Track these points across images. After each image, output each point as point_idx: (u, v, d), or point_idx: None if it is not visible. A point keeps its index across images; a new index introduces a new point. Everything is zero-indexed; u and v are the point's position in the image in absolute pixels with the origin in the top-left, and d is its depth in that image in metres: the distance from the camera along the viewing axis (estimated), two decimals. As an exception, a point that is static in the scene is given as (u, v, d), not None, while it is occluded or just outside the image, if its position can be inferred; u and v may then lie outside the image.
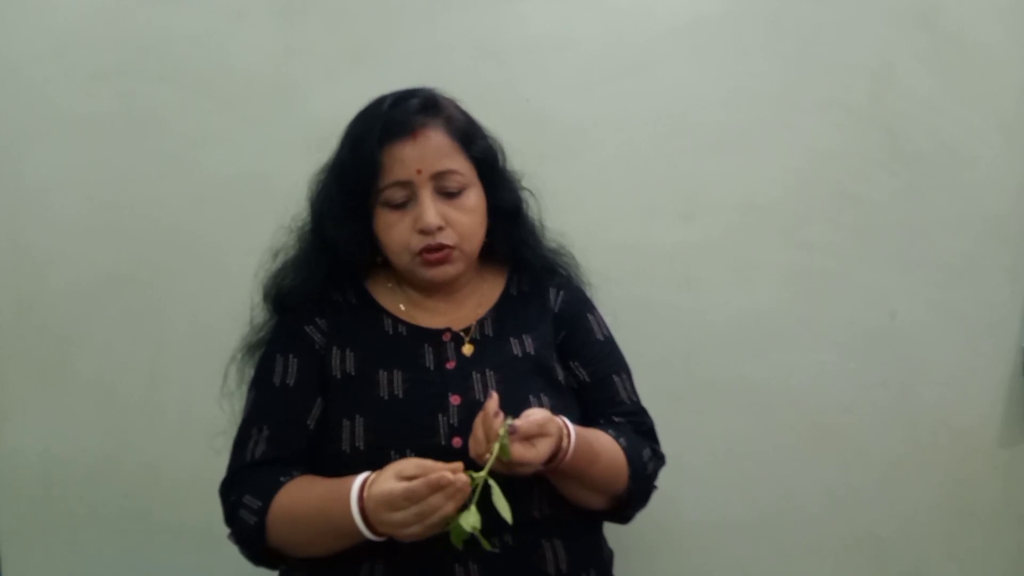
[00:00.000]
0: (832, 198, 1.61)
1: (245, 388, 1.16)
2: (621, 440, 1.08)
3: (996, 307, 1.66)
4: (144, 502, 1.52)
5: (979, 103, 1.63)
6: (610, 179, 1.57)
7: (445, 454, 0.97)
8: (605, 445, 1.06)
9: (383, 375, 1.06)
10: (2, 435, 1.50)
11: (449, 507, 0.88)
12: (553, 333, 1.16)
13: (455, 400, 1.04)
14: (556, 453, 0.98)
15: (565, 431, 1.00)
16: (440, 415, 1.03)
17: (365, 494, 0.92)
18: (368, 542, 0.95)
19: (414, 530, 0.89)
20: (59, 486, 1.51)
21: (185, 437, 1.49)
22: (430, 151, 1.05)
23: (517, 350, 1.11)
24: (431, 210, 1.04)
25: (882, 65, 1.60)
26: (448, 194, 1.07)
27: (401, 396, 1.04)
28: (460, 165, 1.07)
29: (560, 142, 1.55)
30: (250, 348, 1.18)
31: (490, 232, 1.13)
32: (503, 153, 1.17)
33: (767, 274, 1.60)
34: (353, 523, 0.91)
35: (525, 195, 1.20)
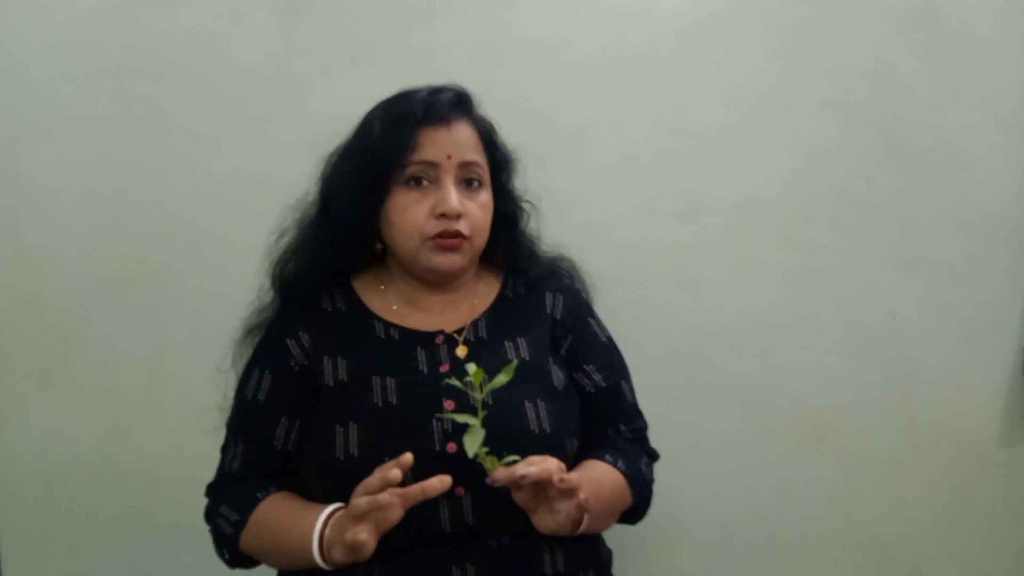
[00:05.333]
0: (832, 198, 1.61)
1: (241, 368, 1.17)
2: (619, 463, 1.10)
3: (996, 307, 1.66)
4: (144, 502, 1.52)
5: (979, 103, 1.63)
6: (610, 179, 1.57)
7: (440, 459, 0.98)
8: (607, 479, 1.08)
9: (376, 381, 1.05)
10: (2, 435, 1.50)
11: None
12: (551, 338, 1.15)
13: (449, 405, 1.03)
14: (578, 518, 0.99)
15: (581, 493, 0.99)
16: (435, 420, 1.02)
17: (327, 528, 0.95)
18: None
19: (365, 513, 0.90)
20: (59, 486, 1.51)
21: (185, 437, 1.49)
22: (461, 141, 1.08)
23: (512, 354, 1.10)
24: (454, 195, 1.06)
25: (882, 65, 1.60)
26: (468, 187, 1.09)
27: (395, 402, 1.04)
28: (483, 162, 1.11)
29: (560, 142, 1.55)
30: (251, 330, 1.19)
31: (489, 237, 1.14)
32: (516, 165, 1.20)
33: (767, 274, 1.60)
34: (311, 551, 0.95)
35: (526, 207, 1.22)
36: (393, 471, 0.90)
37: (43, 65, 1.47)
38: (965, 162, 1.63)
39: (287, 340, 1.11)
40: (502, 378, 0.97)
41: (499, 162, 1.15)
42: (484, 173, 1.11)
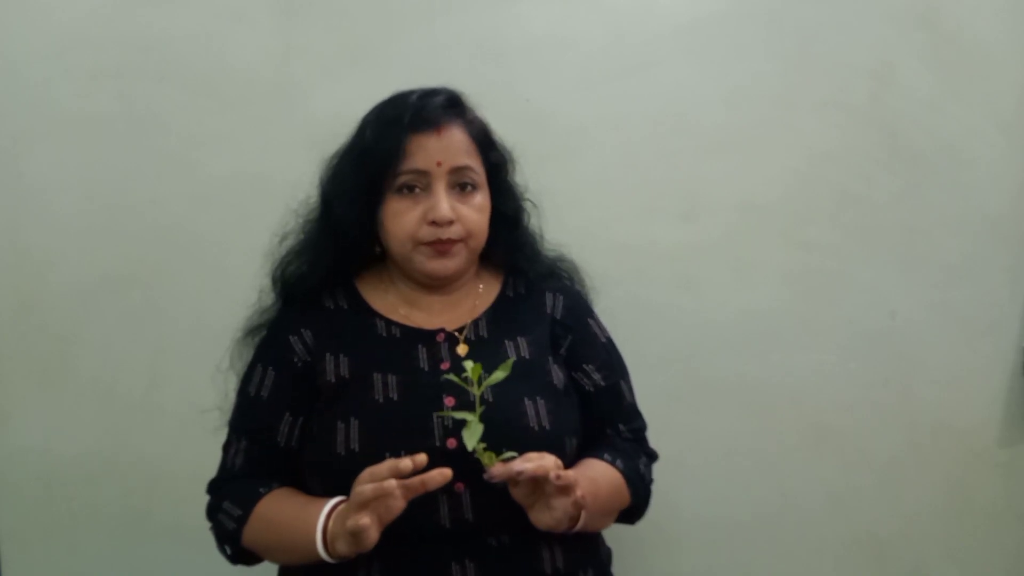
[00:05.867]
0: (832, 198, 1.61)
1: (241, 367, 1.17)
2: (618, 462, 1.11)
3: (996, 307, 1.66)
4: (144, 502, 1.52)
5: (979, 103, 1.63)
6: (610, 179, 1.57)
7: (440, 455, 0.97)
8: (605, 477, 1.08)
9: (378, 378, 1.06)
10: (2, 435, 1.50)
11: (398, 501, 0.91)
12: (550, 337, 1.16)
13: (449, 402, 1.04)
14: (575, 515, 1.00)
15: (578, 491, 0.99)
16: (434, 416, 1.02)
17: (331, 521, 0.96)
18: None
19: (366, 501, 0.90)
20: (59, 486, 1.51)
21: (185, 437, 1.49)
22: (452, 146, 1.07)
23: (512, 353, 1.11)
24: (444, 202, 1.06)
25: (882, 65, 1.60)
26: (461, 191, 1.09)
27: (396, 399, 1.05)
28: (475, 164, 1.10)
29: (560, 142, 1.55)
30: (251, 331, 1.19)
31: (489, 237, 1.14)
32: (513, 162, 1.19)
33: (767, 274, 1.60)
34: (314, 544, 0.96)
35: (527, 206, 1.22)
36: (404, 461, 0.90)
37: (43, 65, 1.47)
38: (965, 162, 1.63)
39: (290, 337, 1.11)
40: (499, 374, 0.97)
41: (495, 162, 1.14)
42: (478, 176, 1.10)
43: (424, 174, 1.07)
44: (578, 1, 1.56)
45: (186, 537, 1.49)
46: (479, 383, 0.97)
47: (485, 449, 0.95)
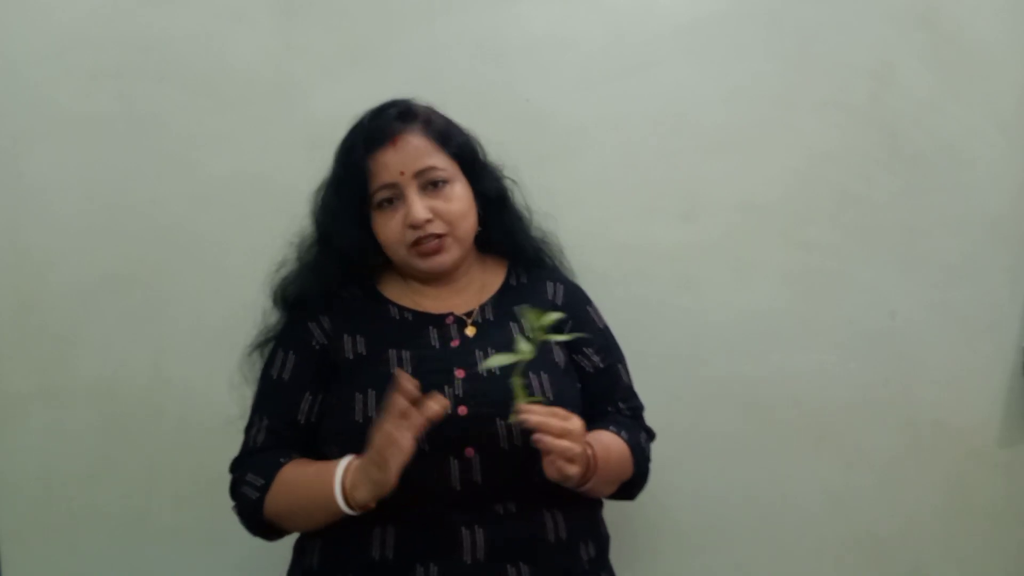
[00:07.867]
0: (832, 198, 1.61)
1: (254, 379, 1.22)
2: (623, 434, 1.16)
3: (996, 307, 1.66)
4: (144, 502, 1.52)
5: (979, 103, 1.63)
6: (610, 179, 1.57)
7: (452, 422, 1.04)
8: (615, 445, 1.14)
9: (392, 354, 1.13)
10: (2, 435, 1.50)
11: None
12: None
13: (459, 373, 1.10)
14: (586, 471, 1.05)
15: (590, 450, 1.06)
16: (446, 387, 1.08)
17: (349, 473, 1.03)
18: (380, 509, 1.03)
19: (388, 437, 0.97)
20: (59, 486, 1.51)
21: (185, 437, 1.49)
22: (410, 153, 1.14)
23: (516, 333, 1.16)
24: (417, 205, 1.13)
25: (882, 65, 1.60)
26: (433, 188, 1.15)
27: (410, 371, 1.11)
28: (440, 161, 1.15)
29: (560, 142, 1.55)
30: (259, 346, 1.24)
31: (484, 223, 1.20)
32: (481, 147, 1.23)
33: (767, 274, 1.60)
34: (334, 497, 1.02)
35: (508, 183, 1.26)
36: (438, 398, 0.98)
37: (43, 65, 1.48)
38: (965, 162, 1.63)
39: (309, 323, 1.19)
40: (499, 359, 1.01)
41: (461, 151, 1.19)
42: (446, 171, 1.15)
43: (393, 186, 1.14)
44: (578, 1, 1.56)
45: (186, 537, 1.50)
46: (533, 330, 1.02)
47: (524, 386, 1.00)
